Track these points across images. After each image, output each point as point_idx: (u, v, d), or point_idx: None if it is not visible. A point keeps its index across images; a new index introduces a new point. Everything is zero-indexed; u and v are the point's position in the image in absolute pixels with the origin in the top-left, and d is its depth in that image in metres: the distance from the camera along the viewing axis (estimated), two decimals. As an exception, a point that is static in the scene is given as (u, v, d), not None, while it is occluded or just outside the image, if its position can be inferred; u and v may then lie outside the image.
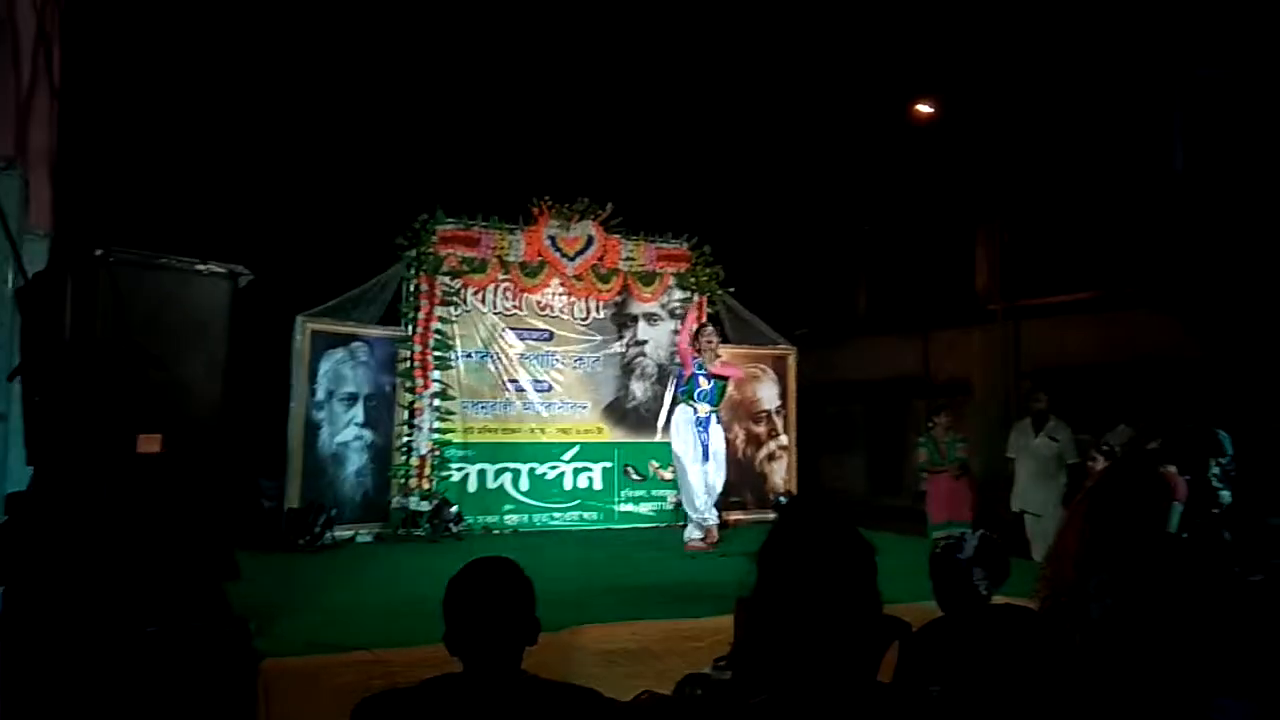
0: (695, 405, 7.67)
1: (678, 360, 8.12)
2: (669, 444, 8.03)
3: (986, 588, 2.80)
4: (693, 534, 7.69)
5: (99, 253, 3.64)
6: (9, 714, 3.29)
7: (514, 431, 8.90)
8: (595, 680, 3.94)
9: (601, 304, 9.35)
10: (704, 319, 9.03)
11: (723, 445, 7.84)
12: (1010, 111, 9.21)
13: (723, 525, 8.25)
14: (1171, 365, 8.22)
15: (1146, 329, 8.73)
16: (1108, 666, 2.31)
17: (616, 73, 8.72)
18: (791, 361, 9.92)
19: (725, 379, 7.87)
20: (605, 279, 9.29)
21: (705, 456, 7.60)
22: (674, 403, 8.08)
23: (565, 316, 9.21)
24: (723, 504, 8.77)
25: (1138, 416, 7.42)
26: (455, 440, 8.60)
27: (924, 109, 9.80)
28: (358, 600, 5.59)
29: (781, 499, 9.50)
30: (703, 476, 7.58)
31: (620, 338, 9.45)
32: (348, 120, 8.24)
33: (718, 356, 7.84)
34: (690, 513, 7.75)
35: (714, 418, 7.76)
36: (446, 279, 8.66)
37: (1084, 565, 2.91)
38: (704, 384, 7.68)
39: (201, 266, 3.91)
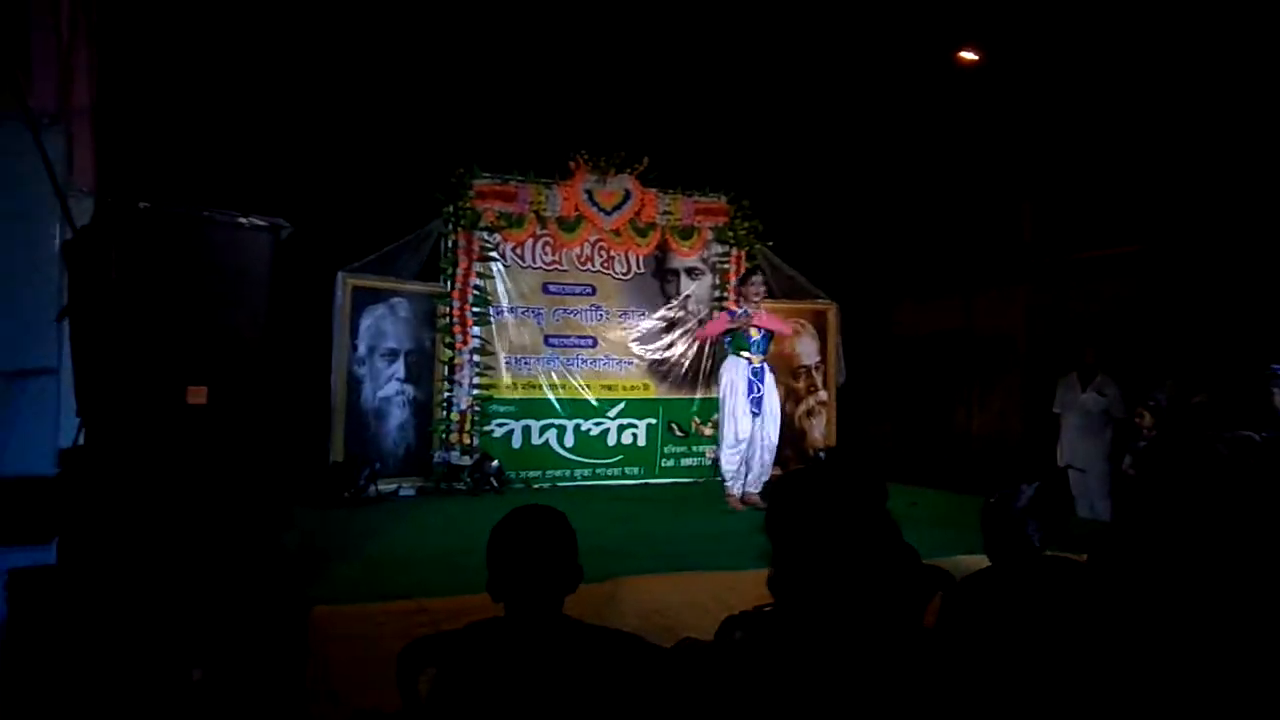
0: (749, 356, 7.40)
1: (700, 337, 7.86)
2: (713, 399, 7.92)
3: (1040, 540, 2.76)
4: (730, 488, 7.51)
5: (144, 206, 3.67)
6: (65, 661, 3.39)
7: (558, 388, 8.93)
8: (636, 631, 3.97)
9: (641, 258, 9.30)
10: (751, 266, 8.79)
11: (777, 399, 7.62)
12: (1055, 59, 8.95)
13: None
14: (1217, 318, 8.03)
15: (1191, 282, 8.51)
16: (1168, 626, 2.27)
17: (653, 24, 8.58)
18: (831, 316, 9.83)
19: (771, 332, 7.59)
20: (643, 233, 9.25)
21: (759, 409, 7.37)
22: (718, 359, 7.87)
23: (605, 271, 9.19)
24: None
25: (1186, 371, 7.28)
26: (498, 396, 8.65)
27: (968, 56, 9.54)
28: (401, 551, 5.68)
29: (821, 454, 9.47)
30: (753, 431, 7.33)
31: (663, 293, 9.41)
32: (386, 74, 8.20)
33: (759, 308, 7.53)
34: (725, 472, 7.49)
35: (766, 369, 7.52)
36: (484, 234, 8.67)
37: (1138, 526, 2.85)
38: (754, 334, 7.41)
39: (243, 220, 3.93)
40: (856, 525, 1.69)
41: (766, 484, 7.46)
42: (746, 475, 7.49)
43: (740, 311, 7.49)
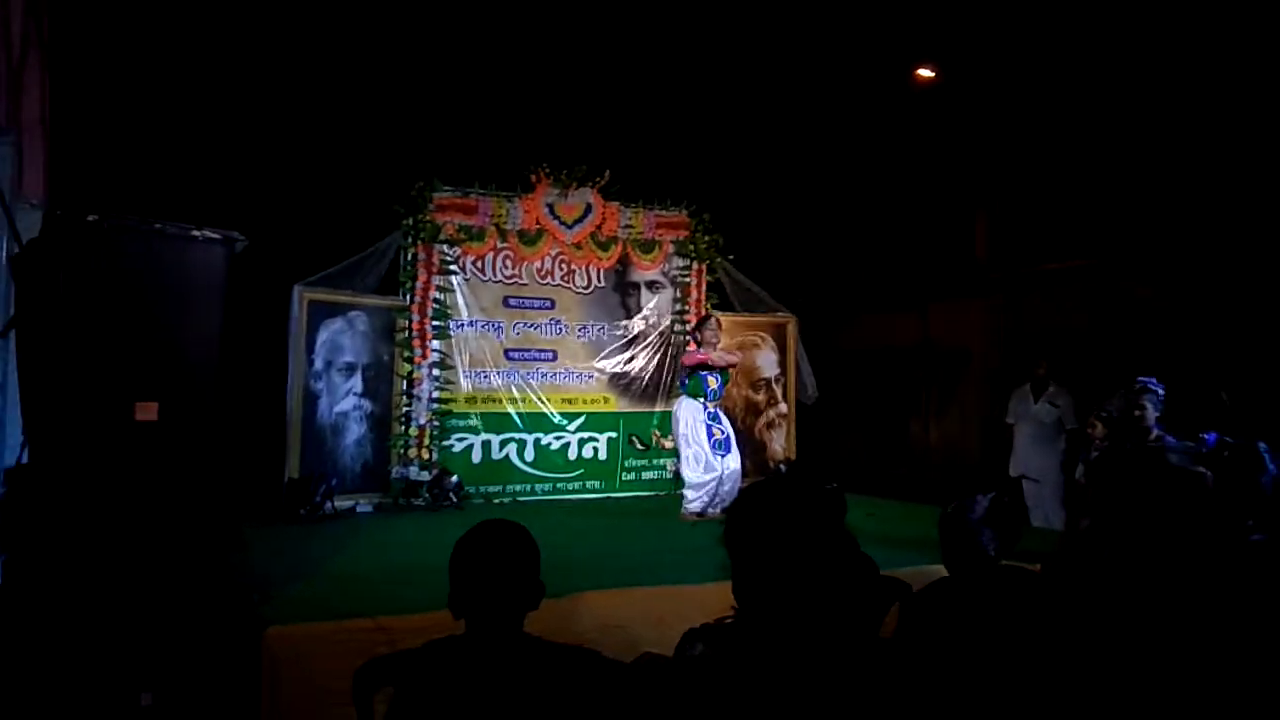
0: (705, 401, 7.55)
1: (682, 365, 7.86)
2: (670, 414, 7.96)
3: (995, 549, 2.80)
4: (690, 506, 7.55)
5: (93, 219, 3.60)
6: (10, 684, 3.30)
7: (518, 402, 8.89)
8: (596, 646, 3.94)
9: (602, 272, 9.31)
10: (705, 312, 8.94)
11: (732, 431, 7.73)
12: (1008, 77, 9.12)
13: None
14: (1167, 331, 8.21)
15: (1141, 296, 8.71)
16: (1123, 634, 2.30)
17: (613, 39, 8.62)
18: (791, 329, 9.91)
19: (729, 368, 7.76)
20: (604, 247, 9.25)
21: (727, 449, 7.50)
22: (676, 372, 7.93)
23: (566, 285, 9.17)
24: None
25: (1134, 382, 7.42)
26: (457, 410, 8.59)
27: (924, 74, 9.70)
28: (359, 569, 5.60)
29: (781, 467, 9.52)
30: (721, 466, 7.43)
31: (623, 306, 9.42)
32: (344, 85, 8.14)
33: (716, 345, 7.68)
34: (687, 495, 7.54)
35: (720, 410, 7.70)
36: (444, 247, 8.61)
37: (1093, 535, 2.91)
38: (712, 383, 7.56)
39: (196, 232, 3.87)
40: (815, 538, 1.69)
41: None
42: (711, 501, 7.53)
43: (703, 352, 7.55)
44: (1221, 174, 7.93)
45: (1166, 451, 4.41)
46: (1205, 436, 5.10)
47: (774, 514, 1.73)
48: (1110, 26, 7.96)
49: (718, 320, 8.01)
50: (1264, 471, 4.25)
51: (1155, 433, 5.40)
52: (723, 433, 7.56)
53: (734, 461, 7.57)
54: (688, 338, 7.90)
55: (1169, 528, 2.70)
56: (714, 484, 7.46)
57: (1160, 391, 5.59)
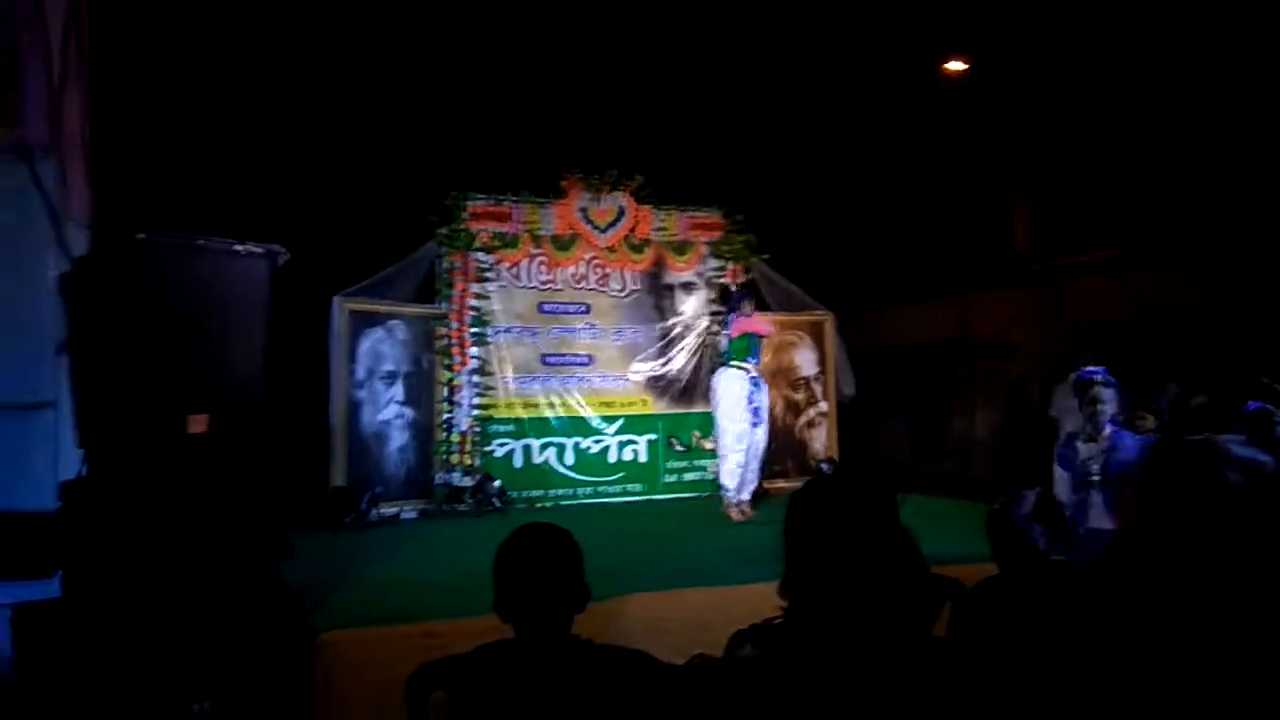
0: (746, 366, 7.47)
1: (726, 334, 7.83)
2: (710, 413, 7.94)
3: (1045, 544, 2.77)
4: (729, 496, 7.55)
5: (141, 237, 3.67)
6: (71, 694, 3.37)
7: (556, 406, 8.92)
8: (643, 648, 3.95)
9: (637, 275, 9.31)
10: (742, 282, 8.82)
11: (767, 406, 7.74)
12: (1041, 68, 9.01)
13: (764, 494, 8.26)
14: (1214, 321, 8.05)
15: (1184, 284, 8.55)
16: (1184, 629, 2.25)
17: (644, 42, 8.63)
18: (829, 327, 9.84)
19: (761, 335, 7.68)
20: (638, 250, 9.26)
21: (757, 418, 7.45)
22: (714, 369, 7.90)
23: (601, 289, 9.19)
24: (765, 472, 8.77)
25: (1184, 374, 7.28)
26: (498, 416, 8.64)
27: (956, 66, 9.60)
28: (406, 575, 5.66)
29: (824, 466, 9.46)
30: (750, 439, 7.41)
31: (658, 309, 9.42)
32: (376, 98, 8.24)
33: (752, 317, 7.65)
34: (726, 484, 7.54)
35: (761, 377, 7.65)
36: (480, 255, 8.68)
37: (1145, 528, 2.86)
38: (759, 342, 7.58)
39: (240, 247, 3.94)
40: (873, 536, 1.69)
41: (755, 493, 7.68)
42: (740, 486, 7.54)
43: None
44: (1260, 160, 7.76)
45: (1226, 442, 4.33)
46: (1248, 406, 4.99)
47: (834, 510, 1.72)
48: (1145, 12, 7.83)
49: (747, 292, 7.91)
50: None
51: (1109, 429, 5.06)
52: (758, 400, 7.50)
53: (762, 433, 7.54)
54: (728, 314, 7.81)
55: (1227, 519, 2.65)
56: (741, 466, 7.44)
57: (1113, 382, 5.30)
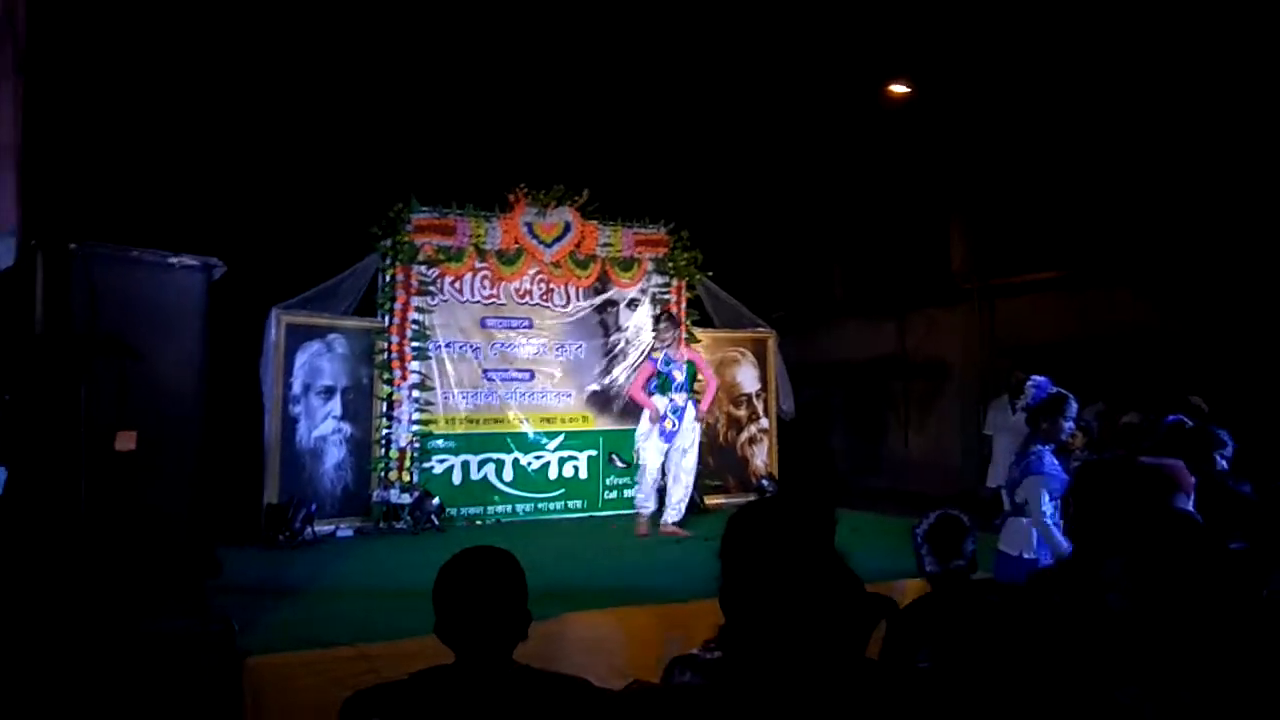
0: (672, 396, 7.84)
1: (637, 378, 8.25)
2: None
3: (932, 566, 2.86)
4: (667, 519, 7.90)
5: (72, 246, 3.57)
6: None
7: (497, 422, 8.86)
8: (582, 669, 3.93)
9: (581, 290, 9.31)
10: (659, 313, 9.00)
11: (696, 432, 8.00)
12: (982, 91, 9.24)
13: (703, 510, 8.35)
14: (1143, 340, 8.32)
15: (1116, 305, 8.83)
16: (1138, 655, 2.29)
17: (590, 58, 8.66)
18: (771, 344, 9.95)
19: (692, 362, 8.10)
20: (583, 265, 9.25)
21: (669, 440, 7.83)
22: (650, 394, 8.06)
23: (545, 304, 9.16)
24: (705, 488, 8.90)
25: (1113, 392, 7.50)
26: (436, 432, 8.54)
27: (897, 89, 9.81)
28: (340, 595, 5.56)
29: (764, 482, 9.54)
30: (662, 460, 7.86)
31: (602, 324, 9.42)
32: (319, 108, 8.14)
33: (675, 344, 8.16)
34: (639, 499, 7.95)
35: (690, 403, 7.93)
36: (423, 268, 8.57)
37: (1087, 550, 2.91)
38: (678, 375, 7.87)
39: (174, 259, 3.86)
40: (807, 557, 1.70)
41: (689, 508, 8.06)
42: (661, 505, 7.97)
43: (663, 358, 7.90)
44: (1194, 182, 8.05)
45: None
46: (1166, 418, 5.11)
47: (769, 530, 1.74)
48: (1080, 39, 8.08)
49: (668, 322, 8.25)
50: (1223, 446, 4.31)
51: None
52: (676, 426, 7.83)
53: (682, 460, 7.87)
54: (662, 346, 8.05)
55: (1147, 534, 2.72)
56: (650, 488, 7.89)
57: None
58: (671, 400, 7.81)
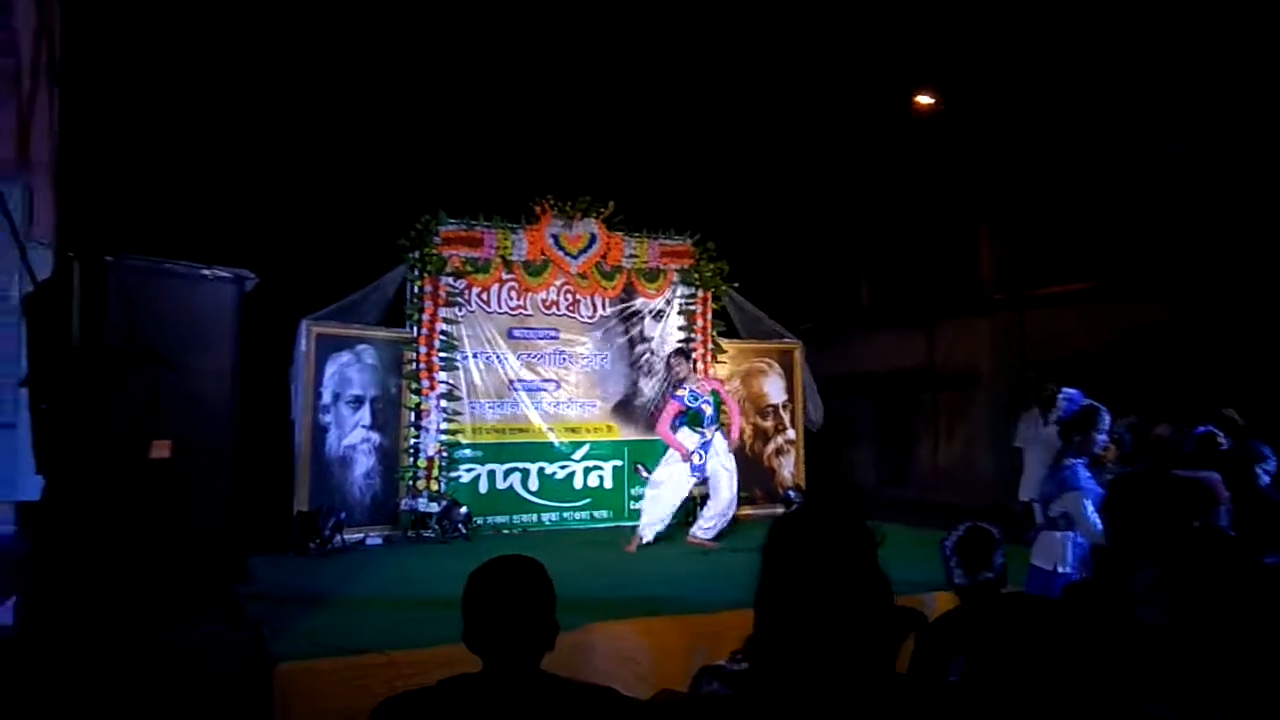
0: (703, 430, 7.67)
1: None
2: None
3: (961, 576, 2.84)
4: (695, 533, 7.77)
5: (108, 259, 3.64)
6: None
7: (523, 431, 8.89)
8: (610, 678, 3.94)
9: (607, 301, 9.34)
10: (669, 352, 8.84)
11: (732, 460, 7.81)
12: (1011, 102, 9.20)
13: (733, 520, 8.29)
14: (1174, 352, 8.21)
15: (1146, 316, 8.72)
16: (1171, 672, 2.25)
17: (617, 70, 8.71)
18: (798, 355, 9.92)
19: (715, 391, 8.00)
20: (609, 276, 9.28)
21: (700, 473, 7.66)
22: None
23: (571, 315, 9.20)
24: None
25: (1144, 404, 7.40)
26: (464, 441, 8.59)
27: (925, 100, 9.78)
28: (369, 602, 5.59)
29: (791, 493, 9.50)
30: (685, 495, 7.77)
31: (627, 335, 9.44)
32: (349, 122, 8.22)
33: (695, 376, 8.08)
34: (643, 524, 7.72)
35: (717, 437, 7.76)
36: (450, 280, 8.65)
37: (1121, 564, 2.88)
38: (707, 410, 7.69)
39: (207, 271, 3.91)
40: (851, 572, 1.70)
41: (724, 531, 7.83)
42: (698, 522, 7.83)
43: (688, 394, 7.69)
44: (1224, 192, 7.96)
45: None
46: (1196, 429, 5.00)
47: (816, 541, 1.73)
48: (1109, 51, 8.03)
49: (679, 357, 8.12)
50: (1264, 460, 4.23)
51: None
52: (704, 459, 7.64)
53: (721, 487, 7.67)
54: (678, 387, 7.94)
55: (1181, 548, 2.68)
56: (667, 515, 7.71)
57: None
58: (701, 433, 7.65)
